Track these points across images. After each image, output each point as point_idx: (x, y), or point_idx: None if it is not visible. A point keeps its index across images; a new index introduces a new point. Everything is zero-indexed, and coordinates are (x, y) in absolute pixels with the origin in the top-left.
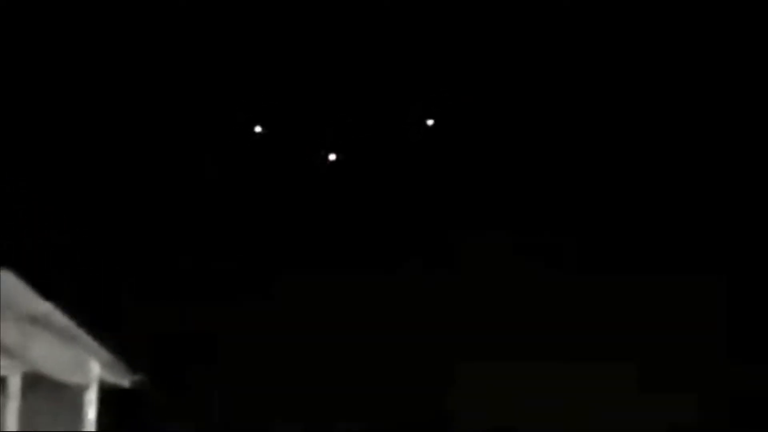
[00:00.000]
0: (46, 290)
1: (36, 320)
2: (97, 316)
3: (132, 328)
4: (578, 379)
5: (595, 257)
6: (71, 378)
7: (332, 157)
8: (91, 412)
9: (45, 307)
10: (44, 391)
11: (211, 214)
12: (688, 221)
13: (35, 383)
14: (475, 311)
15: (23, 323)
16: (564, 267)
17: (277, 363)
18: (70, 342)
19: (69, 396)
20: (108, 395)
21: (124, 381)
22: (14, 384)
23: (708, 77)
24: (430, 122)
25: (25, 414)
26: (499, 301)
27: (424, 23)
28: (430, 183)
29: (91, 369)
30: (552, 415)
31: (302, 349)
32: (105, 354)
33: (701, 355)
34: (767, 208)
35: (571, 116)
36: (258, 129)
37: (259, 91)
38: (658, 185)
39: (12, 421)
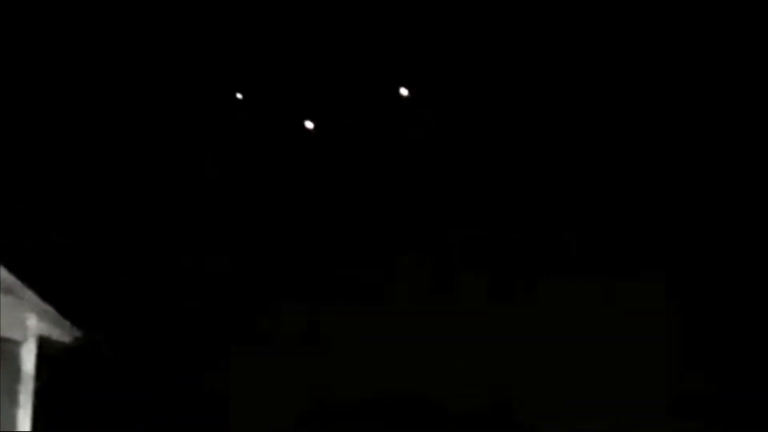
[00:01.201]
0: None
1: None
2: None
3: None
4: None
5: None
6: (8, 332)
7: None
8: (28, 367)
9: None
10: None
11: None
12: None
13: None
14: None
15: None
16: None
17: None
18: (6, 295)
19: (7, 352)
20: (50, 351)
21: (65, 337)
22: None
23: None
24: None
25: None
26: None
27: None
28: None
29: (28, 323)
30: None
31: None
32: (45, 308)
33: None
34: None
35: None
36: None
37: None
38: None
39: None
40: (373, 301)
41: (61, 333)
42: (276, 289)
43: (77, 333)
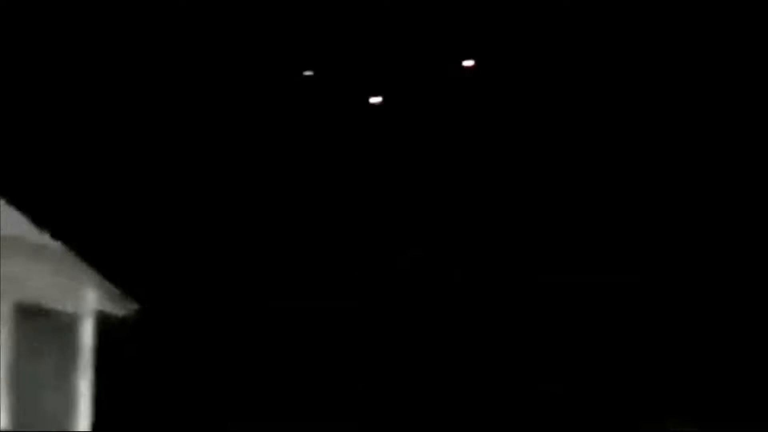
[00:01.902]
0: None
1: (23, 244)
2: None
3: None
4: None
5: None
6: (65, 307)
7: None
8: (86, 342)
9: (31, 230)
10: (38, 321)
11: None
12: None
13: (28, 312)
14: None
15: (13, 249)
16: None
17: None
18: (63, 269)
19: (64, 325)
20: (107, 326)
21: (123, 311)
22: (5, 312)
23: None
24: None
25: (17, 344)
26: None
27: None
28: None
29: (86, 297)
30: None
31: None
32: (102, 282)
33: None
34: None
35: None
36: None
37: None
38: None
39: (4, 351)
40: (374, 301)
41: (119, 307)
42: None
43: (134, 306)
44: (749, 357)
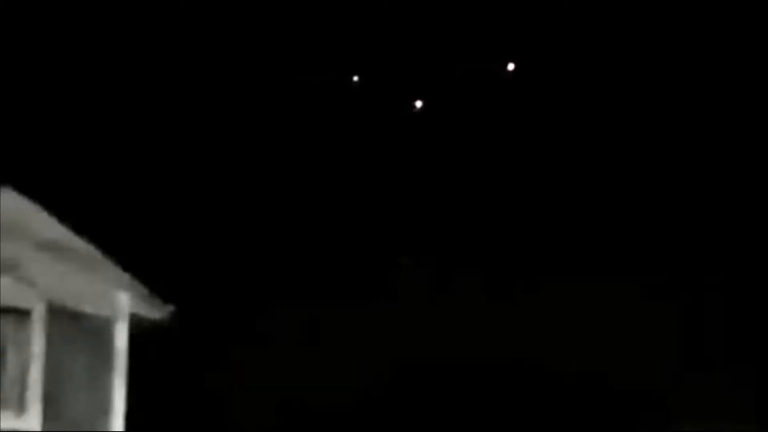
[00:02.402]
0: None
1: (56, 247)
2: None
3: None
4: None
5: None
6: (99, 310)
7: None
8: (121, 345)
9: (63, 233)
10: (71, 324)
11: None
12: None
13: (61, 316)
14: None
15: (43, 251)
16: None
17: None
18: (95, 272)
19: (98, 329)
20: (141, 329)
21: (157, 314)
22: (38, 316)
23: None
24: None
25: (51, 348)
26: None
27: None
28: None
29: (119, 300)
30: None
31: None
32: (135, 285)
33: None
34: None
35: None
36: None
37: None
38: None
39: (38, 354)
40: (374, 301)
41: (152, 310)
42: (276, 289)
43: (168, 310)
44: (748, 357)
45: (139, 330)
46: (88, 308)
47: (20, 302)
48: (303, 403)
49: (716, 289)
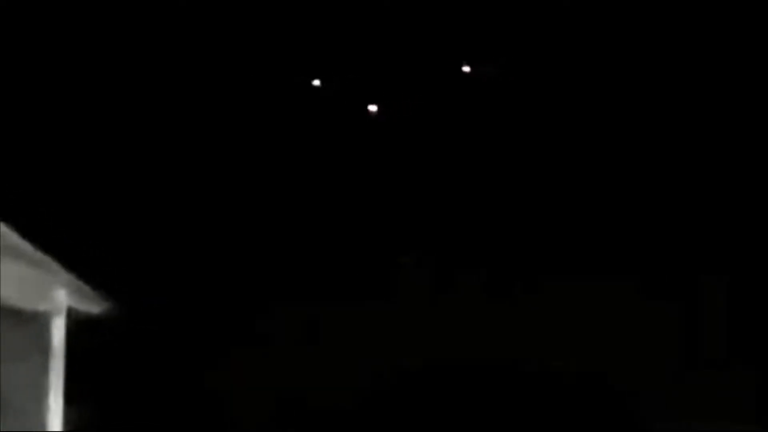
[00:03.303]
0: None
1: None
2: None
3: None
4: None
5: None
6: (36, 305)
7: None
8: (58, 341)
9: (3, 231)
10: (7, 320)
11: None
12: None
13: None
14: None
15: None
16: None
17: None
18: (32, 267)
19: (35, 325)
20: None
21: (95, 309)
22: None
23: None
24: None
25: None
26: None
27: None
28: None
29: (57, 296)
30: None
31: None
32: (73, 280)
33: None
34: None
35: None
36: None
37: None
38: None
39: None
40: (374, 301)
41: (91, 305)
42: (276, 289)
43: (107, 305)
44: (749, 357)
45: (77, 325)
46: (25, 305)
47: None
48: (303, 403)
49: (716, 289)
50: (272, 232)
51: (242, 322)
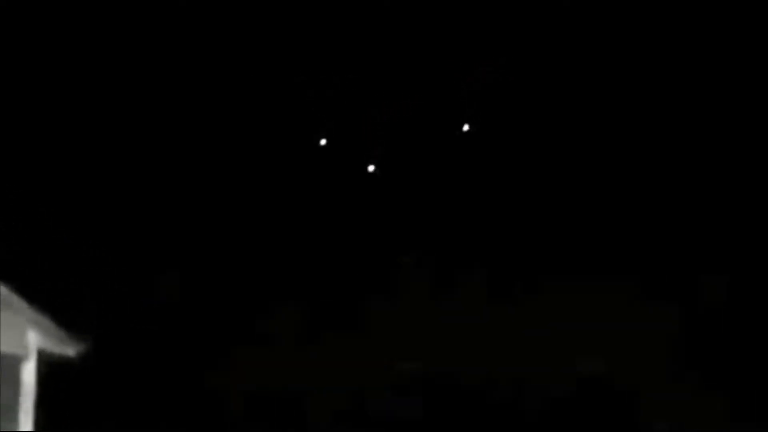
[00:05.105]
0: None
1: None
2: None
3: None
4: None
5: None
6: (8, 348)
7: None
8: (29, 382)
9: None
10: None
11: None
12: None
13: None
14: None
15: None
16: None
17: None
18: (6, 310)
19: (6, 366)
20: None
21: (68, 351)
22: None
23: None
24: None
25: None
26: None
27: None
28: None
29: (29, 338)
30: None
31: None
32: (46, 322)
33: None
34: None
35: None
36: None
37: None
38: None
39: None
40: (374, 301)
41: (63, 347)
42: (276, 289)
43: (79, 346)
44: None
45: (49, 367)
46: None
47: None
48: (303, 403)
49: (716, 289)
50: (272, 232)
51: (242, 322)
